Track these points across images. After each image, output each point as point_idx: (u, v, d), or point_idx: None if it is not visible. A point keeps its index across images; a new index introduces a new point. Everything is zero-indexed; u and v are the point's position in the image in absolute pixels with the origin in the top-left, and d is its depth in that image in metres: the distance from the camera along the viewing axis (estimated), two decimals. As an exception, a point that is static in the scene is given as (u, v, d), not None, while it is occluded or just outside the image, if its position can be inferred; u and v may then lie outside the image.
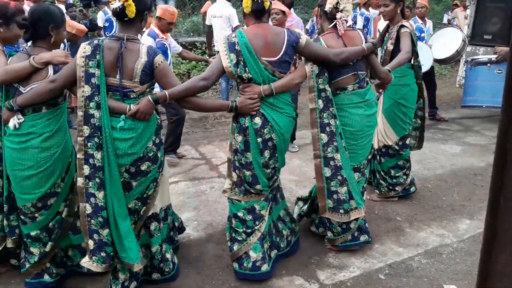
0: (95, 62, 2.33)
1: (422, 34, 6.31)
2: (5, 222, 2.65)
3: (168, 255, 2.74)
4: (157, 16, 4.61)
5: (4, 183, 2.59)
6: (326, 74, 2.79)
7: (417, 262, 3.03)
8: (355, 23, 8.71)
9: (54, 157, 2.51)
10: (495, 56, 5.57)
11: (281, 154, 2.78)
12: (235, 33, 2.63)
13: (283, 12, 4.46)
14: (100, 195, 2.38)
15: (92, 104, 2.33)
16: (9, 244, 2.66)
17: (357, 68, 2.94)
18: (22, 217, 2.60)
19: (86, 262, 2.44)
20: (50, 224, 2.63)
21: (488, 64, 5.60)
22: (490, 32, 6.63)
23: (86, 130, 2.35)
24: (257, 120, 2.63)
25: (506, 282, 1.26)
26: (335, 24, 2.88)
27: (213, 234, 3.41)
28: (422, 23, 6.36)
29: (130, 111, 2.35)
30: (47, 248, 2.64)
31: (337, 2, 2.85)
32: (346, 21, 2.91)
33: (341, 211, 2.86)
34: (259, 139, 2.64)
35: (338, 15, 2.86)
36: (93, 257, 2.41)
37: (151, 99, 2.38)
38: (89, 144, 2.35)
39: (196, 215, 3.70)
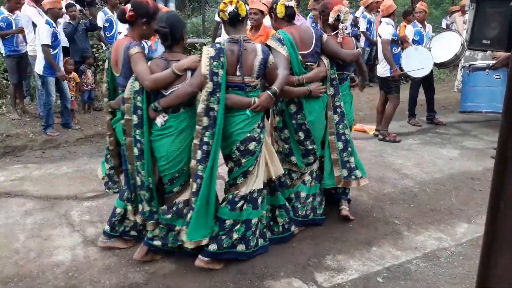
0: (219, 63, 2.70)
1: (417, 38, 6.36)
2: (146, 208, 2.91)
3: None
4: None
5: (147, 176, 2.86)
6: (334, 67, 3.35)
7: (415, 266, 3.04)
8: (354, 25, 8.75)
9: (181, 149, 2.83)
10: (494, 61, 5.59)
11: (319, 137, 3.41)
12: (277, 32, 3.15)
13: (262, 12, 4.37)
14: (206, 174, 2.77)
15: (213, 99, 2.70)
16: (150, 227, 2.95)
17: (348, 69, 3.57)
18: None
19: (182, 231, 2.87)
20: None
21: (487, 70, 5.62)
22: (489, 37, 6.66)
23: (206, 121, 2.71)
24: (292, 107, 3.25)
25: (505, 287, 1.27)
26: (337, 32, 3.46)
27: (212, 236, 3.41)
28: (421, 27, 6.39)
29: (253, 106, 2.80)
30: None
31: (338, 15, 3.40)
32: (346, 29, 3.50)
33: (353, 177, 3.44)
34: (294, 121, 3.25)
35: (340, 25, 3.43)
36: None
37: (271, 94, 2.83)
38: (206, 133, 2.72)
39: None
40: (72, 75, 6.23)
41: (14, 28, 6.12)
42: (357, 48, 3.53)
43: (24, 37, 6.07)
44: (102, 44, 7.27)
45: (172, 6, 8.85)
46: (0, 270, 2.94)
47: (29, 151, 5.34)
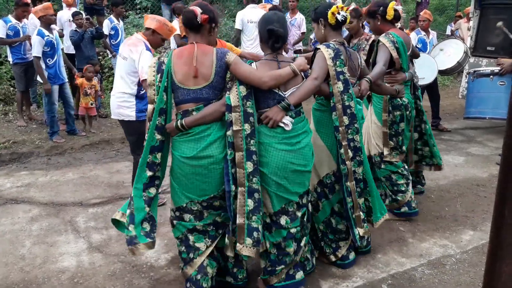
0: (341, 61, 2.74)
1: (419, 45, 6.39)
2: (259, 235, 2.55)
3: None
4: (149, 28, 3.72)
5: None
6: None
7: (420, 273, 3.03)
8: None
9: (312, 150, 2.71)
10: (498, 68, 5.58)
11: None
12: (390, 34, 3.44)
13: None
14: (360, 170, 2.84)
15: (346, 96, 2.74)
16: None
17: None
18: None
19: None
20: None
21: (491, 76, 5.61)
22: (493, 44, 6.67)
23: (346, 120, 2.75)
24: (405, 100, 3.61)
25: (511, 294, 1.27)
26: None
27: (216, 242, 3.41)
28: (425, 35, 6.41)
29: (359, 93, 2.90)
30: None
31: None
32: None
33: None
34: (407, 112, 3.63)
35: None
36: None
37: (368, 81, 2.98)
38: (349, 130, 2.77)
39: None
40: (93, 83, 6.27)
41: (21, 36, 6.20)
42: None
43: (31, 44, 6.14)
44: (108, 51, 7.34)
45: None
46: (6, 276, 2.96)
47: (35, 158, 5.38)
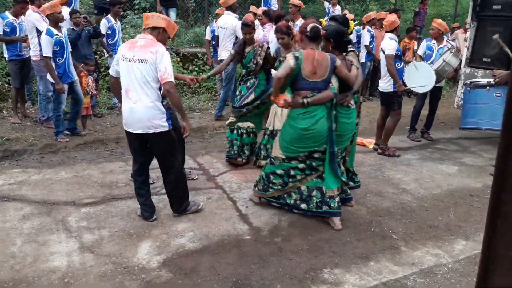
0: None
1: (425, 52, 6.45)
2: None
3: None
4: (156, 27, 3.56)
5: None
6: None
7: (412, 281, 3.03)
8: (357, 42, 8.86)
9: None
10: (494, 79, 5.61)
11: None
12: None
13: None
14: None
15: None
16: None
17: None
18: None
19: None
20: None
21: (487, 87, 5.65)
22: (489, 55, 6.72)
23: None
24: None
25: (503, 305, 1.27)
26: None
27: (209, 246, 3.40)
28: (434, 43, 6.44)
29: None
30: None
31: None
32: None
33: None
34: None
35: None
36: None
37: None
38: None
39: (192, 226, 3.69)
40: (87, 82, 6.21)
41: (18, 32, 6.17)
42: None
43: (28, 44, 6.10)
44: (105, 51, 7.31)
45: (172, 16, 8.92)
46: (-5, 275, 2.93)
47: (28, 156, 5.34)
